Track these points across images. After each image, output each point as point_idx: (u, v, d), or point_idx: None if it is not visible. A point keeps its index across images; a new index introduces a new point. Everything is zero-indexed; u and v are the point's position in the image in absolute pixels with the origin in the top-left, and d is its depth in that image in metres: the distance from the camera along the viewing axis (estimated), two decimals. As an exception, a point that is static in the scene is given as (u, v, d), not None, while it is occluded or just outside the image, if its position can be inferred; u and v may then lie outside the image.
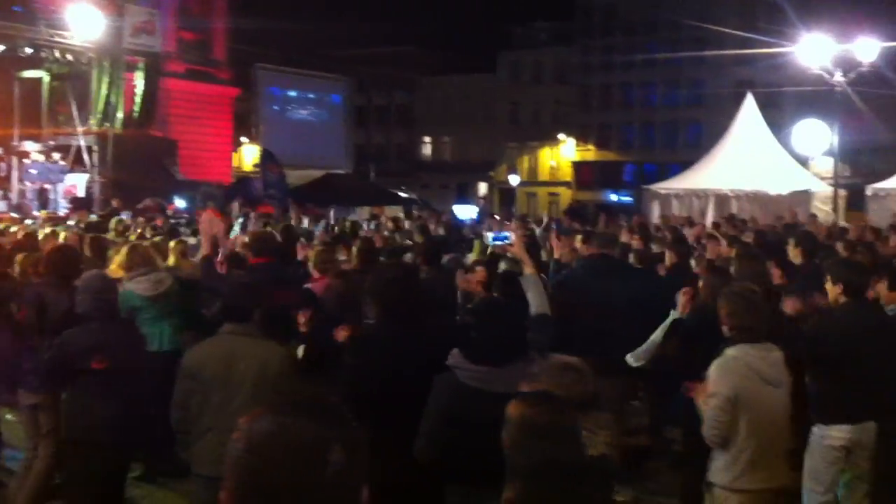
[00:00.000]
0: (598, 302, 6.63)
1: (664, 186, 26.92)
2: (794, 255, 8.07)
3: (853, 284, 5.37)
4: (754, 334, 4.55)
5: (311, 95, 46.94)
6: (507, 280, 5.48)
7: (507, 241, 5.07)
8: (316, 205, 23.83)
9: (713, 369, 4.50)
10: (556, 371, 3.33)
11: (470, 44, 60.51)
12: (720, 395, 4.42)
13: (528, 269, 4.82)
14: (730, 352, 4.53)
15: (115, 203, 19.19)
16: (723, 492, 4.53)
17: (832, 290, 5.42)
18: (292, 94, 45.99)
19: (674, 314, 5.73)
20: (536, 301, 4.66)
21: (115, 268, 7.18)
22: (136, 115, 27.39)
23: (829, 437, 5.17)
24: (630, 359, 5.95)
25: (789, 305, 6.01)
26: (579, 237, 7.95)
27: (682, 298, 5.72)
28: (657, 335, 5.78)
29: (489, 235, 5.12)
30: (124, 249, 7.32)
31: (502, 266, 6.31)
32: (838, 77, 23.79)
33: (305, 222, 16.75)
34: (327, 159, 40.22)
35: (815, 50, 23.63)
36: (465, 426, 3.77)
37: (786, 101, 41.92)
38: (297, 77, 46.27)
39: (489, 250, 5.62)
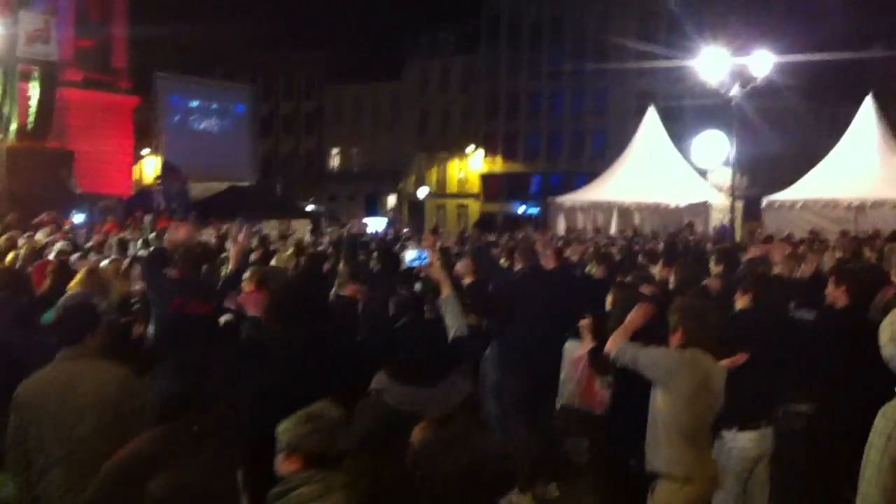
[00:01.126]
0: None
1: (569, 199, 27.31)
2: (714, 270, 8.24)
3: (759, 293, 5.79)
4: (704, 343, 4.77)
5: (215, 105, 45.98)
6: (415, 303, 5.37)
7: (424, 262, 4.91)
8: (219, 218, 23.29)
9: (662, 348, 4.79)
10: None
11: (377, 49, 59.91)
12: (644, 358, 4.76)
13: (446, 291, 4.70)
14: (684, 349, 4.77)
15: (10, 218, 18.31)
16: (668, 483, 4.74)
17: (742, 298, 5.78)
18: (194, 103, 44.96)
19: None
20: (455, 323, 4.56)
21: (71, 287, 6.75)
22: (30, 126, 26.22)
23: (739, 441, 5.46)
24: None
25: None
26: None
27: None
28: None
29: (407, 256, 4.93)
30: (81, 272, 6.93)
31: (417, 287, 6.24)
32: (735, 90, 24.54)
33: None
34: (232, 171, 39.36)
35: (712, 63, 24.33)
36: (392, 449, 3.67)
37: (687, 113, 43.09)
38: (200, 86, 45.33)
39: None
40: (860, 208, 22.44)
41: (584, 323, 5.92)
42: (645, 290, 6.51)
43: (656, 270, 8.86)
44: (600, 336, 5.61)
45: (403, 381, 3.82)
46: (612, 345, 4.96)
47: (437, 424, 2.92)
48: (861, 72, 40.39)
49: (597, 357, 5.68)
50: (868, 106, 24.43)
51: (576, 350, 6.38)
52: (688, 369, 4.71)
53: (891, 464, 3.36)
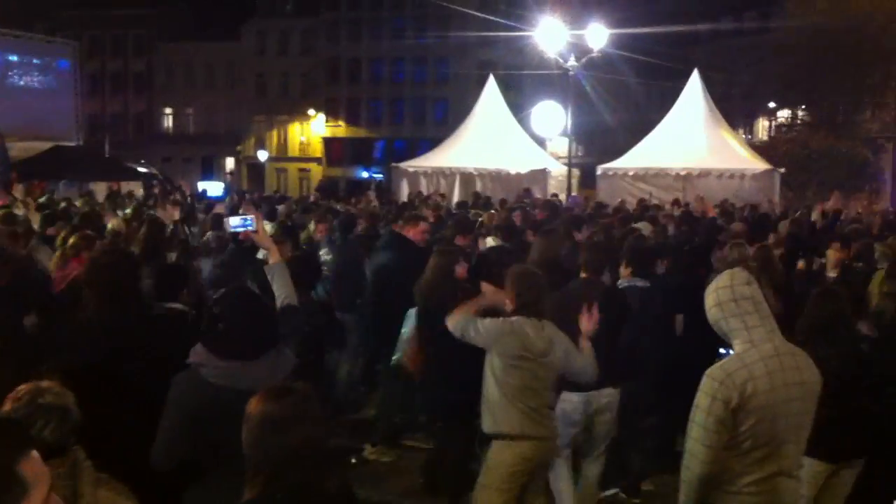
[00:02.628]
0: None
1: (413, 164, 27.27)
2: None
3: (592, 263, 6.15)
4: (531, 309, 4.98)
5: (36, 60, 42.85)
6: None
7: (249, 227, 4.62)
8: (43, 179, 21.85)
9: (494, 318, 5.00)
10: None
11: (212, 9, 57.70)
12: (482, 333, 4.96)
13: (274, 258, 4.45)
14: (511, 318, 4.98)
15: None
16: (499, 442, 4.98)
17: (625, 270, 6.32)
18: (13, 58, 41.74)
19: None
20: (283, 292, 4.33)
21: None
22: None
23: (565, 400, 5.77)
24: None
25: None
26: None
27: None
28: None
29: (231, 222, 4.62)
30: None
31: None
32: (572, 62, 25.07)
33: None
34: (55, 130, 36.85)
35: (550, 35, 24.74)
36: (211, 427, 3.41)
37: (526, 83, 43.88)
38: (18, 40, 42.17)
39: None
40: (687, 177, 23.45)
41: None
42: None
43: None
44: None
45: (221, 355, 3.54)
46: (452, 321, 5.11)
47: (270, 397, 2.72)
48: (689, 47, 42.33)
49: (425, 322, 5.88)
50: (695, 80, 25.49)
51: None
52: (513, 336, 4.91)
53: (716, 422, 3.44)
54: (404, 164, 27.45)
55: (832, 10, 35.17)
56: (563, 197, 21.99)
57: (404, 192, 24.57)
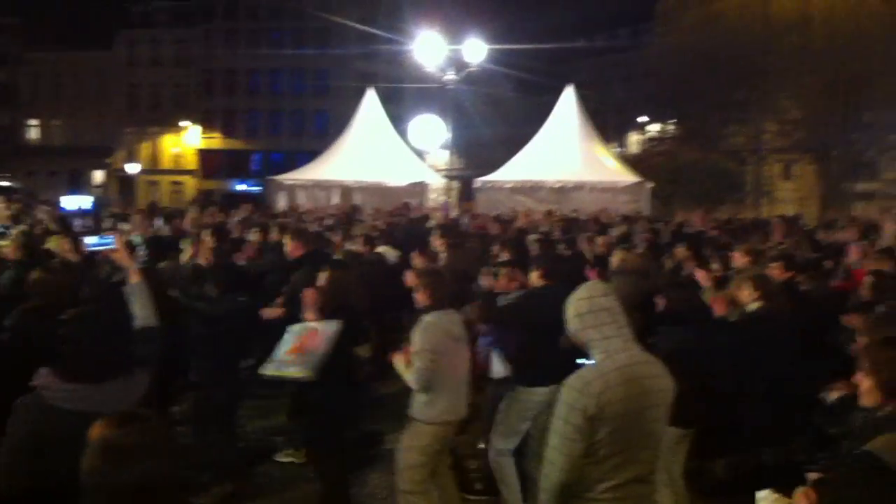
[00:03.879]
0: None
1: (290, 177, 26.94)
2: (439, 244, 9.44)
3: (552, 270, 6.55)
4: (443, 303, 5.61)
5: None
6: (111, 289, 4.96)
7: (108, 246, 4.44)
8: None
9: (418, 333, 5.48)
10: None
11: (83, 18, 55.59)
12: (427, 351, 5.42)
13: (134, 277, 4.30)
14: (427, 318, 5.53)
15: None
16: (423, 425, 5.55)
17: (534, 274, 6.57)
18: None
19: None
20: (142, 312, 4.19)
21: None
22: None
23: (526, 397, 6.22)
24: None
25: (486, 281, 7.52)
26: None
27: None
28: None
29: (87, 241, 4.44)
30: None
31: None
32: (451, 75, 25.34)
33: None
34: None
35: (429, 49, 24.93)
36: (55, 454, 3.24)
37: (406, 96, 44.04)
38: None
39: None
40: (562, 190, 23.97)
41: (308, 294, 6.23)
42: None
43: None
44: (322, 308, 6.12)
45: (66, 378, 3.38)
46: (414, 383, 5.53)
47: (112, 423, 2.59)
48: (565, 63, 43.40)
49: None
50: (569, 95, 26.12)
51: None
52: (441, 331, 5.50)
53: (574, 431, 3.50)
54: (281, 177, 27.08)
55: (699, 30, 36.74)
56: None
57: (282, 205, 24.23)
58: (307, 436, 6.44)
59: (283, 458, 7.56)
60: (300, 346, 5.85)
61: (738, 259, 7.81)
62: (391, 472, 5.96)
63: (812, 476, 3.08)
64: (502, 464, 6.26)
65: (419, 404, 5.59)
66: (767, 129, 39.25)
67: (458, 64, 26.04)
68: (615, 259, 8.22)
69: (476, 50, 24.99)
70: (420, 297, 5.70)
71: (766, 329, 6.08)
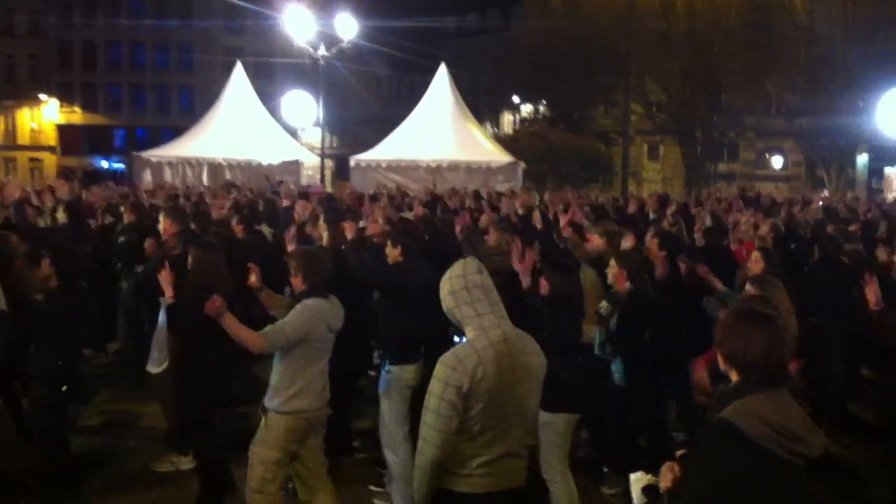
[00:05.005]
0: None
1: (156, 154, 26.00)
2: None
3: (408, 246, 6.50)
4: (322, 289, 5.29)
5: None
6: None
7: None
8: None
9: (295, 309, 5.18)
10: None
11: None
12: (295, 327, 5.11)
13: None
14: (307, 302, 5.20)
15: None
16: (276, 416, 5.21)
17: (392, 251, 6.51)
18: None
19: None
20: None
21: None
22: None
23: (402, 377, 6.15)
24: None
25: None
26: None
27: None
28: None
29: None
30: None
31: None
32: (322, 51, 24.94)
33: None
34: None
35: (298, 23, 24.44)
36: None
37: (277, 71, 43.19)
38: None
39: None
40: (437, 169, 24.05)
41: (164, 275, 5.87)
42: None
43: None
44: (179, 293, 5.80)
45: None
46: (256, 345, 5.11)
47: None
48: (437, 42, 43.47)
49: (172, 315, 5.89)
50: (442, 74, 26.17)
51: None
52: (319, 319, 5.20)
53: (448, 407, 3.49)
54: (147, 153, 26.11)
55: (566, 13, 37.44)
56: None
57: (147, 183, 23.37)
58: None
59: (164, 467, 6.90)
60: None
61: (595, 241, 7.84)
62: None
63: (679, 452, 3.15)
64: (396, 446, 6.10)
65: (273, 392, 5.24)
66: (633, 112, 40.47)
67: (329, 39, 25.66)
68: (490, 238, 8.23)
69: (347, 25, 24.67)
70: (295, 282, 5.38)
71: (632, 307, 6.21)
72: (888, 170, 24.03)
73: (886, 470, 6.31)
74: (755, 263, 7.36)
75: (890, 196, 21.37)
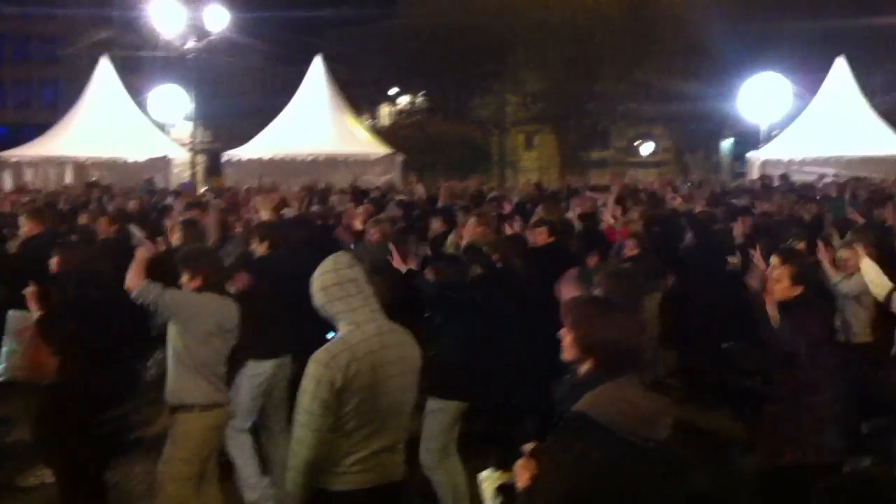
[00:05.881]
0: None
1: (17, 154, 24.74)
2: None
3: (275, 240, 6.59)
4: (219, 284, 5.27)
5: None
6: None
7: None
8: None
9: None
10: None
11: None
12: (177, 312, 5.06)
13: None
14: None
15: None
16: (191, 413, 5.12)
17: (260, 246, 6.60)
18: None
19: None
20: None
21: None
22: None
23: (255, 373, 6.14)
24: None
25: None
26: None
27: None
28: None
29: None
30: None
31: None
32: (192, 44, 24.27)
33: None
34: None
35: (166, 15, 23.72)
36: None
37: (145, 65, 41.71)
38: None
39: None
40: (314, 163, 23.77)
41: (30, 291, 5.60)
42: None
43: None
44: (48, 306, 5.56)
45: None
46: (134, 283, 5.12)
47: None
48: (313, 32, 42.85)
49: (45, 327, 5.58)
50: (318, 66, 25.85)
51: (21, 321, 6.06)
52: (208, 310, 5.11)
53: (322, 405, 3.44)
54: (7, 153, 24.81)
55: (444, 3, 37.52)
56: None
57: (7, 184, 22.21)
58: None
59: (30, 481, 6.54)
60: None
61: (471, 228, 7.90)
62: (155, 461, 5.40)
63: (528, 447, 3.07)
64: (237, 442, 6.01)
65: (183, 389, 5.09)
66: (510, 101, 40.99)
67: (199, 32, 24.99)
68: (370, 231, 8.14)
69: (218, 17, 24.08)
70: (186, 283, 5.21)
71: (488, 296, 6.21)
72: (750, 154, 25.07)
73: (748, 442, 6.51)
74: (630, 249, 7.61)
75: (751, 180, 22.37)
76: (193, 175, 23.15)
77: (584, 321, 3.08)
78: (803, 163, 21.67)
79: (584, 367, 3.06)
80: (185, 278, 5.19)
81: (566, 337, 3.10)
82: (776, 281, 5.15)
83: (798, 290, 5.18)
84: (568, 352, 3.10)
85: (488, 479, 3.39)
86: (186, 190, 18.82)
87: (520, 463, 3.04)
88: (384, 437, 3.67)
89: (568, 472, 2.80)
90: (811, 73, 25.50)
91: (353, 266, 3.82)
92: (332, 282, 3.72)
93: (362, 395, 3.56)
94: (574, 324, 3.09)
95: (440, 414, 5.77)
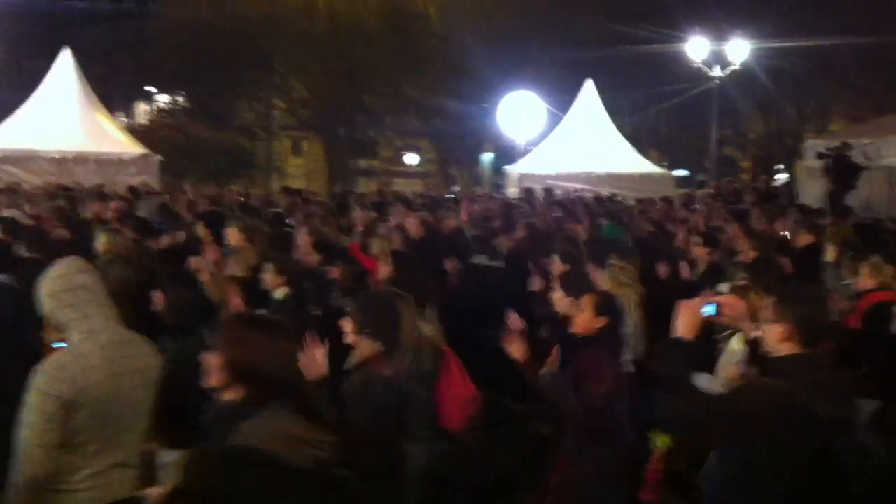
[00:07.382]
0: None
1: None
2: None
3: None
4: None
5: None
6: None
7: None
8: None
9: None
10: None
11: None
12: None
13: None
14: None
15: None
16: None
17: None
18: None
19: None
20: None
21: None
22: None
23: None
24: None
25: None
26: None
27: None
28: None
29: None
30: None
31: None
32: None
33: None
34: None
35: None
36: None
37: None
38: None
39: None
40: (62, 161, 22.33)
41: None
42: None
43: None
44: None
45: None
46: None
47: None
48: (65, 25, 40.20)
49: None
50: (66, 59, 24.24)
51: None
52: None
53: (48, 420, 3.27)
54: None
55: (207, 5, 36.42)
56: None
57: None
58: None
59: None
60: None
61: (233, 236, 7.48)
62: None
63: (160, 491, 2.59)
64: None
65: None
66: (277, 107, 40.53)
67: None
68: (101, 242, 6.97)
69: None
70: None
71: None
72: (507, 167, 26.29)
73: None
74: (383, 268, 7.31)
75: (510, 192, 23.37)
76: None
77: (236, 343, 2.99)
78: (557, 177, 22.90)
79: (232, 394, 2.96)
80: None
81: (212, 359, 2.99)
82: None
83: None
84: (215, 376, 2.99)
85: None
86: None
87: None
88: (118, 451, 3.47)
89: None
90: (563, 94, 27.14)
91: (86, 271, 3.60)
92: (60, 288, 3.48)
93: (95, 408, 3.34)
94: (228, 345, 2.98)
95: None
